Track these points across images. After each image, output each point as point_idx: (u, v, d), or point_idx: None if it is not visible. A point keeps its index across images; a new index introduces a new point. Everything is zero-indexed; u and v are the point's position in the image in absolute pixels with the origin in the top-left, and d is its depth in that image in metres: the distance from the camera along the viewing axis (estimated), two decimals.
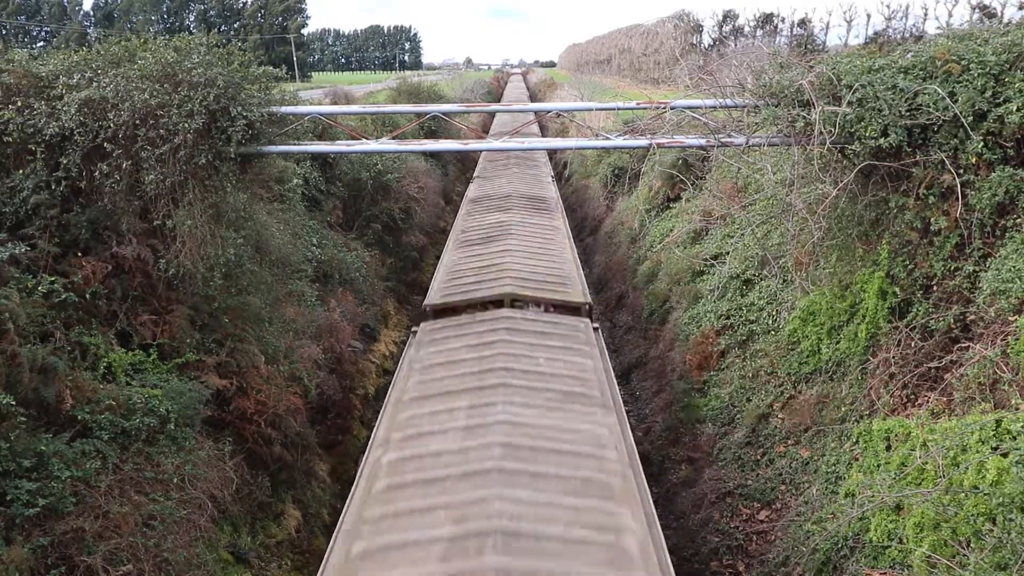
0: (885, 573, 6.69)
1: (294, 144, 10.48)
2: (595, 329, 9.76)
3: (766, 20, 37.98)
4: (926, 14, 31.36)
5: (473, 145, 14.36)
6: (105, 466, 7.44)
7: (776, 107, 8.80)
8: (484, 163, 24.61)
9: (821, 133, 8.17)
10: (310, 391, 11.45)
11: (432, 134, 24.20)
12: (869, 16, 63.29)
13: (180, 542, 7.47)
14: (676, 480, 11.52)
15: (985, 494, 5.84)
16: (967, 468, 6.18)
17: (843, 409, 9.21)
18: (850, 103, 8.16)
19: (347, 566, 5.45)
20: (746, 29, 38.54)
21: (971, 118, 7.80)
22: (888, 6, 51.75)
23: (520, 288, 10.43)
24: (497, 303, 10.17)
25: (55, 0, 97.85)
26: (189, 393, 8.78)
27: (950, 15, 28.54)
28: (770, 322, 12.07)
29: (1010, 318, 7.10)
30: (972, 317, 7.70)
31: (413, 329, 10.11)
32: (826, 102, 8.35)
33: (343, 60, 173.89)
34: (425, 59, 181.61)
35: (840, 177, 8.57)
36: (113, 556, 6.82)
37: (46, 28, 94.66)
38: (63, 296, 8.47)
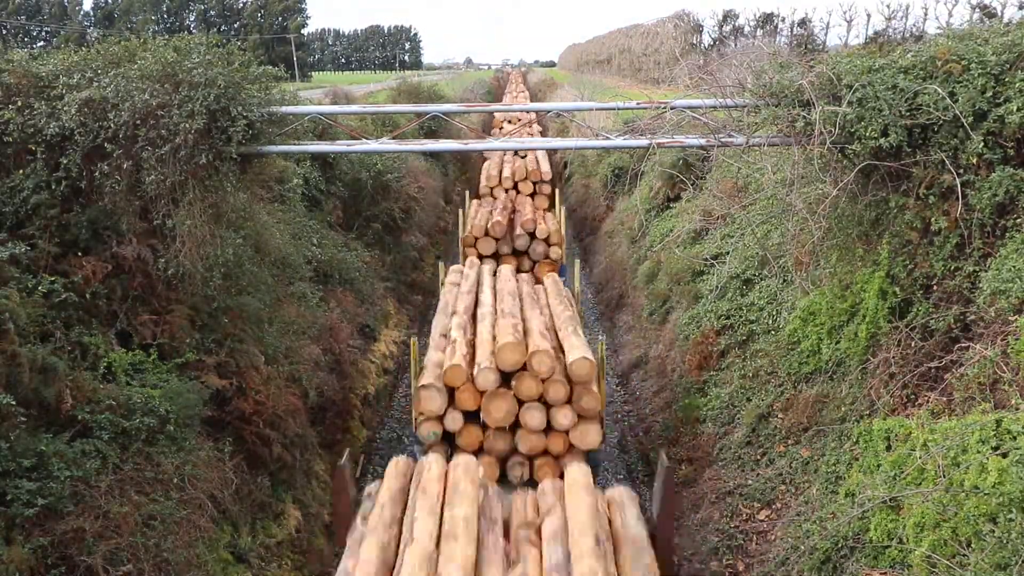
0: (885, 573, 6.69)
1: (294, 144, 10.46)
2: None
3: (766, 20, 38.04)
4: (926, 14, 31.38)
5: (473, 145, 14.33)
6: (105, 466, 7.43)
7: (776, 107, 8.78)
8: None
9: (821, 133, 8.15)
10: (310, 393, 11.45)
11: (432, 134, 24.12)
12: (869, 16, 63.32)
13: (180, 542, 7.46)
14: (676, 480, 11.51)
15: (985, 494, 5.83)
16: (967, 468, 6.18)
17: (843, 409, 9.20)
18: (850, 103, 8.14)
19: None
20: (746, 29, 38.58)
21: (971, 118, 7.77)
22: (888, 6, 51.70)
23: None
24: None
25: (55, 0, 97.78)
26: (189, 393, 8.77)
27: (950, 15, 28.57)
28: (770, 322, 12.06)
29: (1010, 318, 7.09)
30: (972, 317, 7.69)
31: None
32: (826, 102, 8.34)
33: (343, 60, 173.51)
34: (425, 59, 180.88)
35: (840, 177, 8.56)
36: (113, 556, 6.82)
37: (46, 28, 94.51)
38: (63, 296, 8.46)
